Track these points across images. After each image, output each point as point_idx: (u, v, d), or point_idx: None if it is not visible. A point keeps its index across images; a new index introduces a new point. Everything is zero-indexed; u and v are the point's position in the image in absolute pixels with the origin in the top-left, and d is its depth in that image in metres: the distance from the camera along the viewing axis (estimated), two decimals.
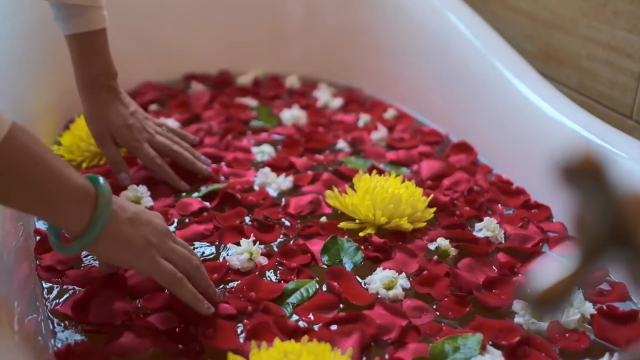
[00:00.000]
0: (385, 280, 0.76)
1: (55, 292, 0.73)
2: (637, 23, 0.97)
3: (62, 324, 0.69)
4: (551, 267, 0.28)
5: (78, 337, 0.67)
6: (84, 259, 0.79)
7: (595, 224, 0.26)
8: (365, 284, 0.77)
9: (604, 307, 0.73)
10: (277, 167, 1.03)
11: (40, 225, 0.85)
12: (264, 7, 1.48)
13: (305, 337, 0.63)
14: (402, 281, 0.77)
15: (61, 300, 0.72)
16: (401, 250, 0.83)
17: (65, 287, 0.74)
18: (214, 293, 0.72)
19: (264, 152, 1.08)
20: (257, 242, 0.81)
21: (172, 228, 0.86)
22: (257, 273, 0.78)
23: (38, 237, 0.81)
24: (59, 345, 0.65)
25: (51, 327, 0.68)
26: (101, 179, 0.65)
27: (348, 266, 0.81)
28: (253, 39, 1.47)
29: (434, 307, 0.74)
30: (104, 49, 0.93)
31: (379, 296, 0.75)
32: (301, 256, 0.82)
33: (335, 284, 0.76)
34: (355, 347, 0.66)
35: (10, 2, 1.13)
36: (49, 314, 0.70)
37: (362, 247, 0.84)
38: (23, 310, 0.67)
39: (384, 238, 0.85)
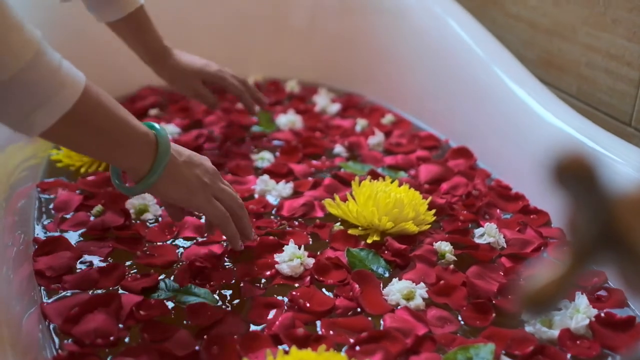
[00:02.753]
0: (404, 291, 0.75)
1: (54, 298, 0.73)
2: (637, 31, 0.97)
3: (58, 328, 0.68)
4: (543, 269, 0.28)
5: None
6: (78, 264, 0.78)
7: (586, 225, 0.26)
8: (384, 295, 0.76)
9: (602, 313, 0.72)
10: (276, 173, 1.03)
11: (39, 233, 0.85)
12: (264, 12, 1.48)
13: (323, 347, 0.62)
14: (421, 291, 0.75)
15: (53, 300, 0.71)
16: (418, 259, 0.82)
17: (64, 292, 0.73)
18: (250, 233, 0.80)
19: (263, 158, 1.09)
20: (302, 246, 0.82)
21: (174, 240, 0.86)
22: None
23: (36, 246, 0.81)
24: (58, 351, 0.65)
25: (49, 332, 0.67)
26: (157, 126, 0.71)
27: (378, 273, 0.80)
28: (253, 44, 1.47)
29: (459, 317, 0.73)
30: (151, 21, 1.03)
31: (399, 307, 0.74)
32: (335, 272, 0.80)
33: (357, 286, 0.75)
34: None
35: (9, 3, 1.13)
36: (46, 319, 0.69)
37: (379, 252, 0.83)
38: (20, 316, 0.67)
39: (388, 243, 0.84)
